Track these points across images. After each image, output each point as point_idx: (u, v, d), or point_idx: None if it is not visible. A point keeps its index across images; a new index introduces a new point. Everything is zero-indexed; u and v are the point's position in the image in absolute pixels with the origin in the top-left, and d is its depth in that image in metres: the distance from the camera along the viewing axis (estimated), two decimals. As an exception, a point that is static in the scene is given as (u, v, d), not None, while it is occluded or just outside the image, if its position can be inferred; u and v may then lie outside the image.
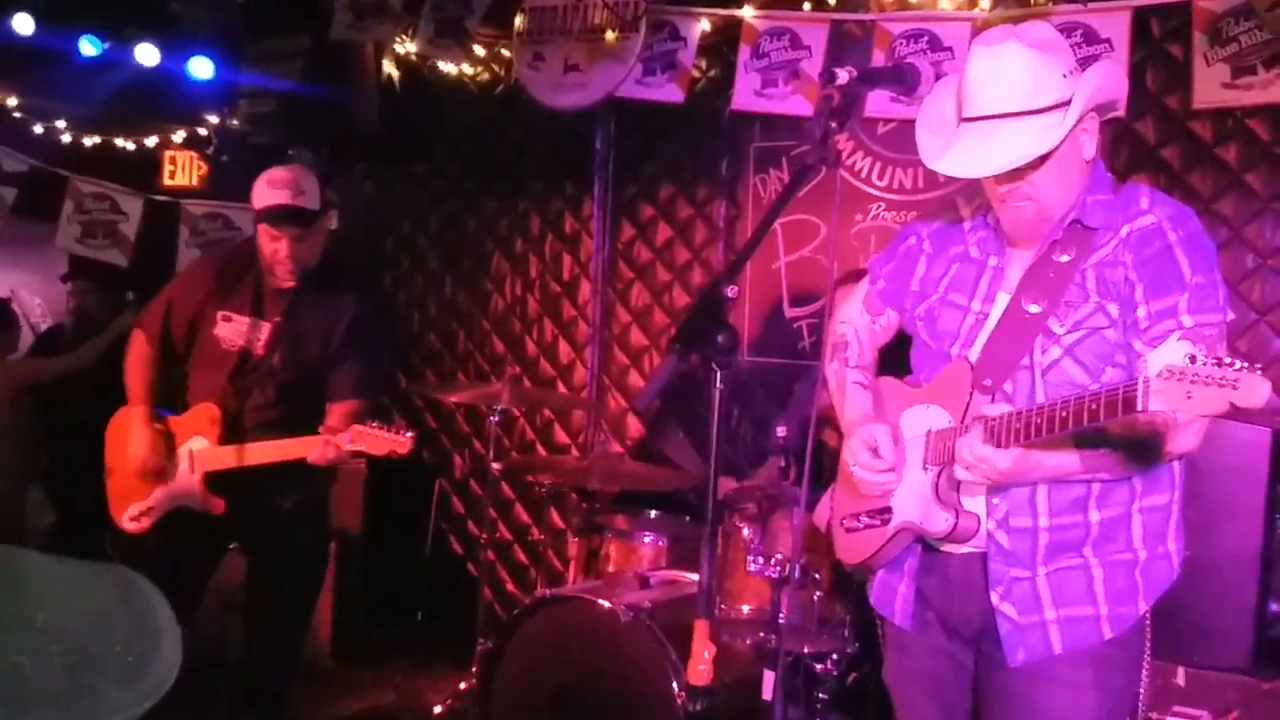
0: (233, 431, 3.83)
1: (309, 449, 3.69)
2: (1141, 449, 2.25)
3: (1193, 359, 1.84)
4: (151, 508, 3.85)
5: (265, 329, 3.87)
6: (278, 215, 3.76)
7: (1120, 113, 2.65)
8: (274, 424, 3.82)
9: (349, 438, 3.62)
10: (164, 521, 3.84)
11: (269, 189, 3.80)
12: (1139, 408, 1.93)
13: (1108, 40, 4.20)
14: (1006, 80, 2.27)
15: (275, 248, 3.79)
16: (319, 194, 3.87)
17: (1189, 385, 1.84)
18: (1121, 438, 2.23)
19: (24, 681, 1.01)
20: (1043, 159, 2.28)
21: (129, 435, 3.86)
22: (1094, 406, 2.02)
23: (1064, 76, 2.27)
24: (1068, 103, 2.26)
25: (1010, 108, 2.26)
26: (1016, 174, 2.30)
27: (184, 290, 3.97)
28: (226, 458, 3.80)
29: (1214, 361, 1.82)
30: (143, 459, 3.80)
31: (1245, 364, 1.81)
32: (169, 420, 3.90)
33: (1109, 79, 2.34)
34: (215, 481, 3.81)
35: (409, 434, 3.60)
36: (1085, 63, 2.64)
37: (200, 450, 3.83)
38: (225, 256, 4.10)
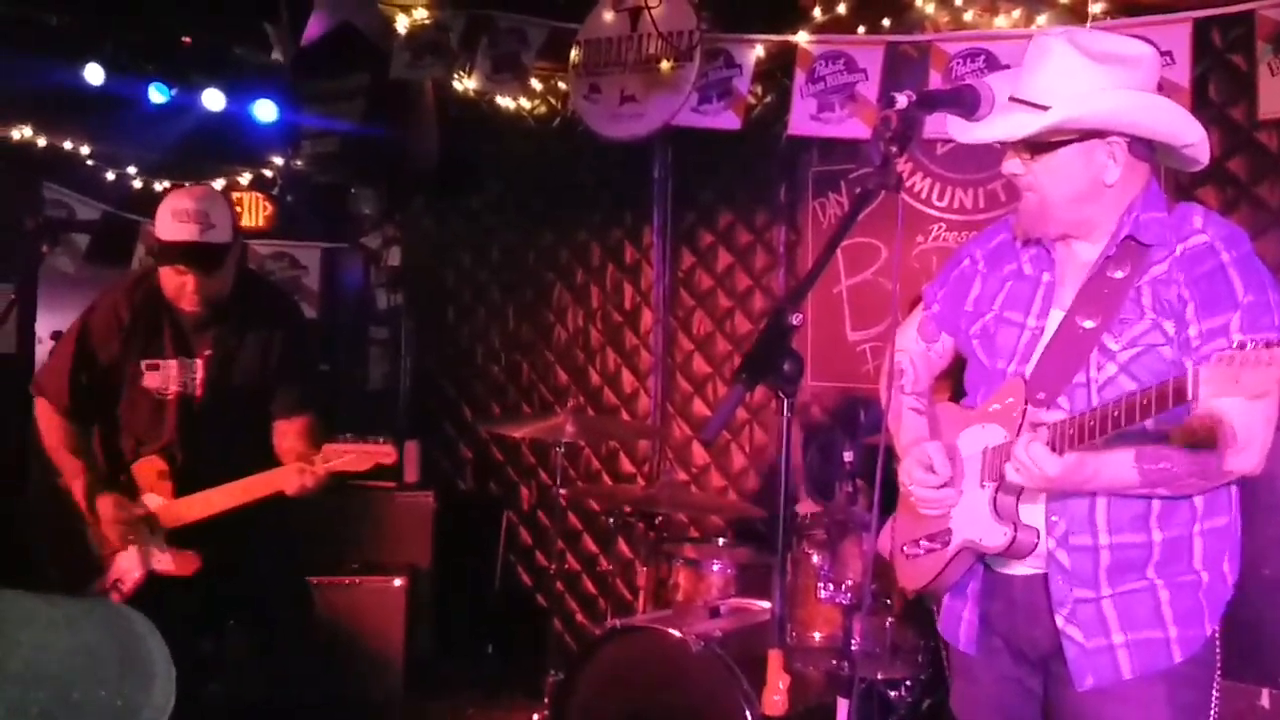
0: (188, 482, 3.52)
1: (283, 481, 3.41)
2: (1200, 463, 2.22)
3: (1241, 345, 1.85)
4: (118, 579, 3.52)
5: (198, 367, 3.56)
6: (184, 254, 3.40)
7: (1184, 145, 2.37)
8: (236, 464, 3.49)
9: (324, 459, 3.37)
10: (139, 595, 3.48)
11: (174, 222, 3.40)
12: (1189, 396, 1.92)
13: (1169, 53, 4.12)
14: (1035, 70, 2.31)
15: (181, 283, 3.44)
16: (231, 221, 3.48)
17: (1238, 369, 1.84)
18: (1180, 450, 2.21)
19: None
20: (1038, 150, 2.31)
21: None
22: (1145, 401, 2.02)
23: (1100, 90, 2.26)
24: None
25: (1023, 94, 2.31)
26: (1019, 155, 2.35)
27: (86, 346, 3.58)
28: (191, 510, 3.49)
29: (1262, 343, 1.83)
30: (115, 524, 3.48)
31: None
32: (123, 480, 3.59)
33: (1144, 109, 2.30)
34: (180, 537, 3.52)
35: (388, 441, 3.38)
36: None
37: (159, 508, 3.52)
38: (121, 300, 3.61)
